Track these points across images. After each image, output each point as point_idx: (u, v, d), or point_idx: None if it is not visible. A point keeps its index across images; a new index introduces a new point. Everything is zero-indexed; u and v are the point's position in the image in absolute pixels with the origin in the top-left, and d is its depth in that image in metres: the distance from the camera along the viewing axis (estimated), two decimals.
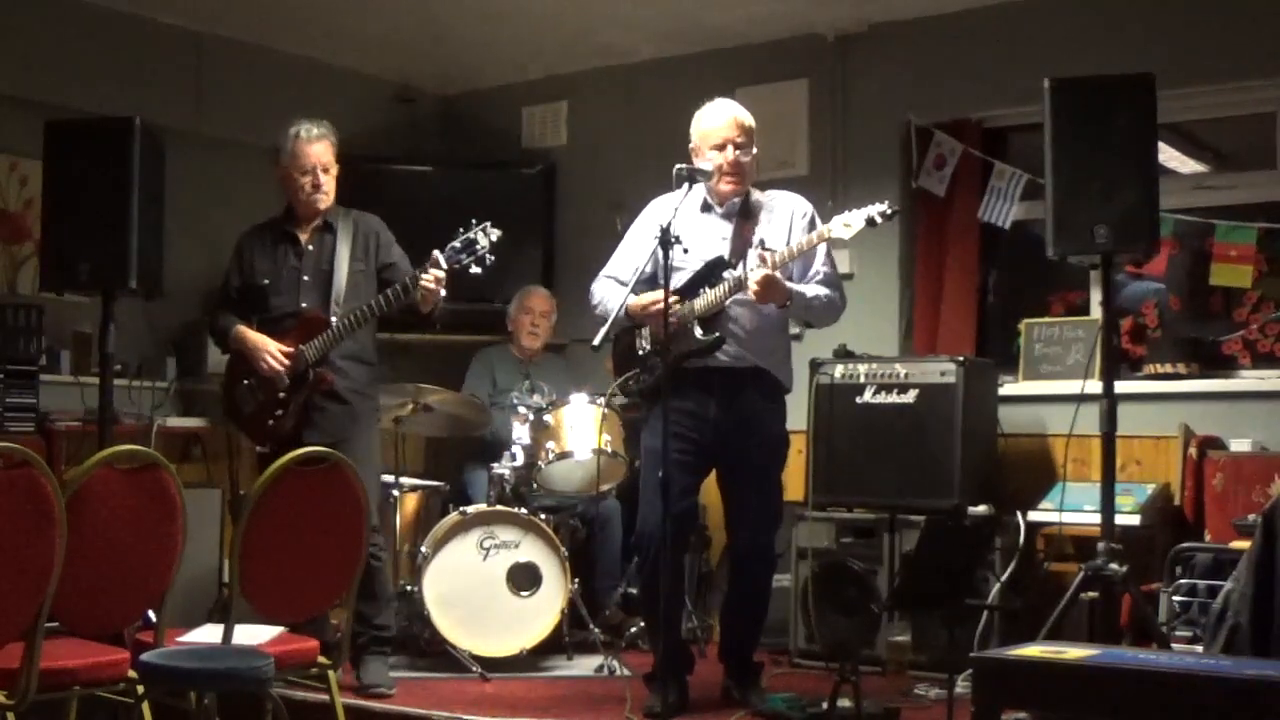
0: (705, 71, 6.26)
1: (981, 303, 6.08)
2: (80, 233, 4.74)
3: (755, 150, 4.65)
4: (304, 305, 4.89)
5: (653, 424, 4.56)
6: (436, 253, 4.68)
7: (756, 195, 4.70)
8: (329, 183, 4.94)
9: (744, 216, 4.64)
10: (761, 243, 4.53)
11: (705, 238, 4.57)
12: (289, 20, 6.28)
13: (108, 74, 5.94)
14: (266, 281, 4.93)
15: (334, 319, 4.81)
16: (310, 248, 4.95)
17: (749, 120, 4.62)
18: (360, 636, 4.82)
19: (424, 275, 4.66)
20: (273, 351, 4.81)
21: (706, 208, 4.65)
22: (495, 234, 4.73)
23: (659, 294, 4.27)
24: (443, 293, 4.72)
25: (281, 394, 4.83)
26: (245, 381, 4.90)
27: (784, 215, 4.65)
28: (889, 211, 4.39)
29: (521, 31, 6.45)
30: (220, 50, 6.40)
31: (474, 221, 4.75)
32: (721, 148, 4.56)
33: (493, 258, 4.73)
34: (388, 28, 6.41)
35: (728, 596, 4.83)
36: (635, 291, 4.45)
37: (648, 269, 4.47)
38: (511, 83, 7.15)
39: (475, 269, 4.71)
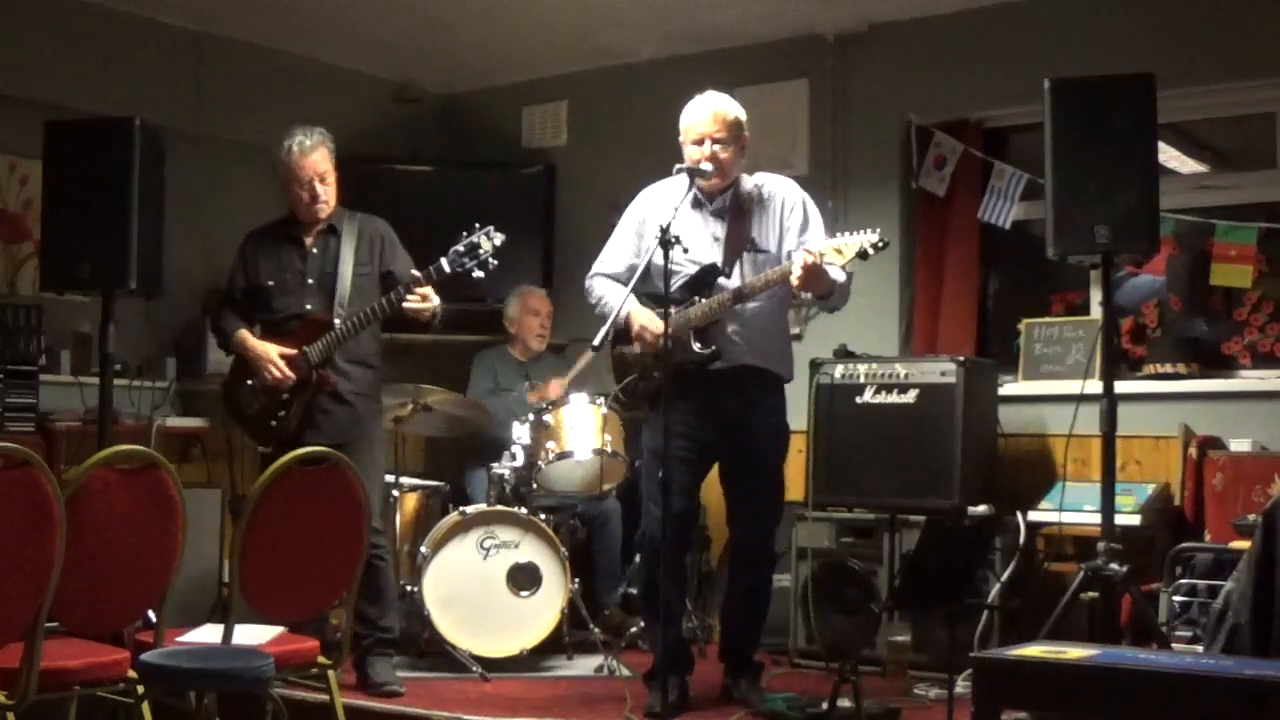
0: (705, 71, 6.22)
1: (982, 303, 6.08)
2: (80, 233, 4.74)
3: (743, 142, 4.57)
4: (308, 307, 4.88)
5: (654, 423, 4.56)
6: (415, 272, 4.72)
7: (747, 186, 4.64)
8: (327, 191, 4.92)
9: (736, 214, 4.60)
10: (753, 243, 4.53)
11: (698, 237, 4.55)
12: (289, 20, 6.27)
13: (108, 74, 5.94)
14: (271, 283, 4.92)
15: (337, 321, 4.81)
16: (314, 250, 4.93)
17: (732, 113, 4.55)
18: (365, 638, 4.83)
19: (409, 295, 4.69)
20: (276, 361, 4.80)
21: (698, 204, 4.60)
22: (499, 238, 4.73)
23: (656, 324, 4.26)
24: (436, 302, 4.75)
25: (284, 395, 4.84)
26: (249, 382, 4.90)
27: (775, 210, 4.61)
28: (881, 244, 4.31)
29: (521, 31, 6.45)
30: (220, 50, 6.40)
31: (477, 225, 4.75)
32: (700, 143, 4.51)
33: (495, 261, 4.74)
34: (388, 28, 6.41)
35: (728, 593, 4.82)
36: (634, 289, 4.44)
37: (642, 267, 4.46)
38: (511, 83, 7.15)
39: (478, 273, 4.72)
